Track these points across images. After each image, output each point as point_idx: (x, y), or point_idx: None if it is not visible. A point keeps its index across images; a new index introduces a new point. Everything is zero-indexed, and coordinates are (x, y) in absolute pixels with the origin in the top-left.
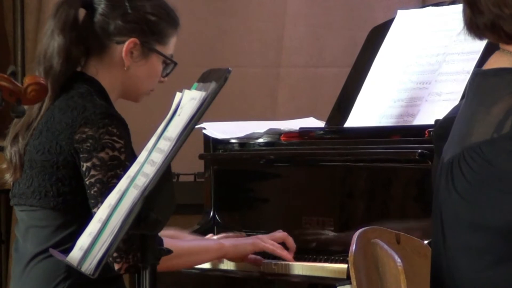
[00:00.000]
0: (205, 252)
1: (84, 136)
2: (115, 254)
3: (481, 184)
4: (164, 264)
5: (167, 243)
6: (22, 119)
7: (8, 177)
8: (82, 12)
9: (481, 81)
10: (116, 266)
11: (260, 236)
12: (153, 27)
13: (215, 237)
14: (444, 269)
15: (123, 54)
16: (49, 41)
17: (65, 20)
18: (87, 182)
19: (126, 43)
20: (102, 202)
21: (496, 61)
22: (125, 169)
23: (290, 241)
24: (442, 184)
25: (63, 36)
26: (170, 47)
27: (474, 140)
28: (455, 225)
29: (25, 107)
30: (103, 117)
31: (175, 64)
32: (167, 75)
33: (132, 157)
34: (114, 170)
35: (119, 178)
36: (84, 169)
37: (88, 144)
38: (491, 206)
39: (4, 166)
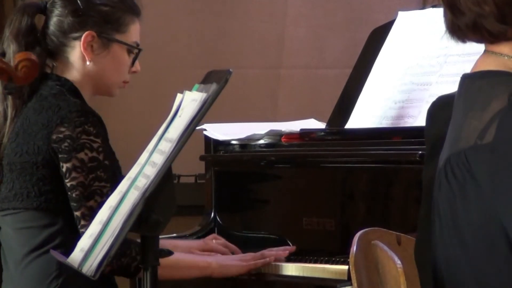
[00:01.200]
0: (191, 268)
1: (61, 136)
2: None
3: (460, 193)
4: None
5: None
6: None
7: None
8: (42, 18)
9: (468, 85)
10: None
11: (244, 256)
12: (107, 17)
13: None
14: (441, 276)
15: (82, 48)
16: (5, 49)
17: (18, 27)
18: (68, 184)
19: (83, 37)
20: (85, 206)
21: (482, 63)
22: (105, 169)
23: (272, 253)
24: (436, 189)
25: (17, 42)
26: (132, 35)
27: (461, 146)
28: (443, 233)
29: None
30: (79, 115)
31: (139, 50)
32: (133, 63)
33: (111, 153)
34: (95, 172)
35: (99, 179)
36: (64, 170)
37: (66, 144)
38: (466, 217)
39: None
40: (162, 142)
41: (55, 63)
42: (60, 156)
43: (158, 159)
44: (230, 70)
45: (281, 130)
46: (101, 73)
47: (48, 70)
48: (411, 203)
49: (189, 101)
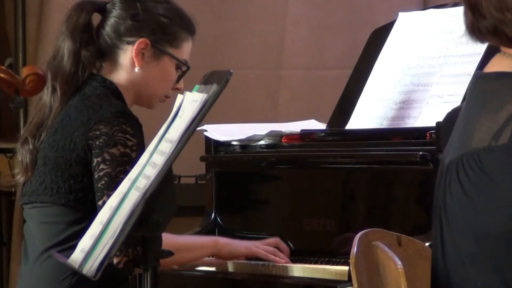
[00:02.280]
0: (200, 248)
1: (98, 133)
2: None
3: (474, 192)
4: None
5: (164, 238)
6: (34, 121)
7: (19, 177)
8: (97, 17)
9: (482, 85)
10: (115, 260)
11: (254, 242)
12: (164, 28)
13: None
14: (442, 274)
15: (133, 54)
16: (60, 43)
17: (75, 23)
18: (96, 176)
19: (137, 43)
20: (107, 195)
21: (497, 64)
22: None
23: (283, 245)
24: (441, 187)
25: (73, 39)
26: (184, 52)
27: (473, 146)
28: (452, 230)
29: (36, 108)
30: (119, 115)
31: (188, 68)
32: (179, 79)
33: None
34: (124, 166)
35: (126, 173)
36: (94, 164)
37: (101, 140)
38: (482, 215)
39: (16, 170)
40: (163, 142)
41: (103, 63)
42: (93, 152)
43: (159, 159)
44: (231, 70)
45: (281, 131)
46: (146, 82)
47: (94, 71)
48: (412, 204)
49: (190, 102)
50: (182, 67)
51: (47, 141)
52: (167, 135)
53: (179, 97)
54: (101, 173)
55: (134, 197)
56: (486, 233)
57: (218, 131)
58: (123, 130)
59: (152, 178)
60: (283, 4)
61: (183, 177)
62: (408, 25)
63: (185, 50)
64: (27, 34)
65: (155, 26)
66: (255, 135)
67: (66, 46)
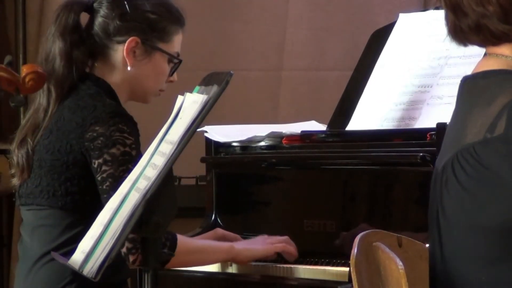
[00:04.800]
0: (216, 252)
1: (94, 134)
2: (130, 245)
3: (472, 186)
4: (175, 260)
5: (180, 239)
6: (29, 123)
7: (16, 180)
8: (86, 17)
9: (470, 85)
10: (131, 258)
11: (267, 239)
12: (153, 25)
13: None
14: (442, 276)
15: (125, 53)
16: (50, 45)
17: (65, 24)
18: (99, 178)
19: (127, 42)
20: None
21: (483, 65)
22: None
23: (292, 244)
24: (438, 190)
25: (63, 39)
26: (175, 45)
27: (468, 141)
28: (451, 229)
29: (31, 108)
30: (113, 115)
31: (180, 61)
32: (173, 73)
33: (141, 156)
34: (126, 164)
35: (130, 172)
36: (95, 165)
37: (99, 142)
38: (482, 208)
39: (13, 171)
40: (163, 144)
41: (95, 63)
42: (91, 153)
43: (159, 161)
44: (231, 72)
45: (282, 132)
46: (139, 79)
47: (87, 70)
48: (412, 205)
49: (190, 103)
50: (174, 60)
51: (42, 143)
52: (167, 136)
53: (180, 98)
54: (104, 175)
55: (134, 198)
56: (486, 225)
57: (218, 132)
58: (120, 129)
59: (153, 179)
60: (284, 5)
61: (183, 178)
62: (409, 26)
63: (176, 42)
64: (27, 36)
65: (144, 24)
66: (255, 136)
67: (57, 48)
